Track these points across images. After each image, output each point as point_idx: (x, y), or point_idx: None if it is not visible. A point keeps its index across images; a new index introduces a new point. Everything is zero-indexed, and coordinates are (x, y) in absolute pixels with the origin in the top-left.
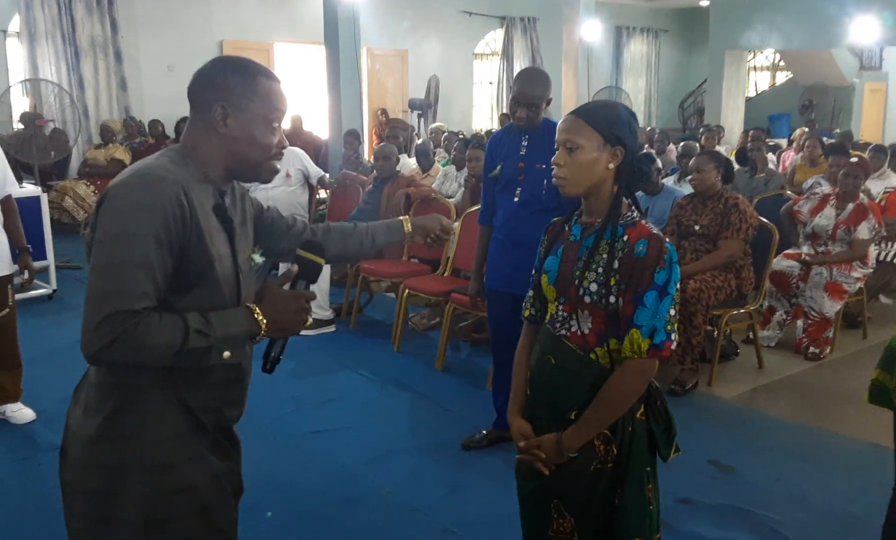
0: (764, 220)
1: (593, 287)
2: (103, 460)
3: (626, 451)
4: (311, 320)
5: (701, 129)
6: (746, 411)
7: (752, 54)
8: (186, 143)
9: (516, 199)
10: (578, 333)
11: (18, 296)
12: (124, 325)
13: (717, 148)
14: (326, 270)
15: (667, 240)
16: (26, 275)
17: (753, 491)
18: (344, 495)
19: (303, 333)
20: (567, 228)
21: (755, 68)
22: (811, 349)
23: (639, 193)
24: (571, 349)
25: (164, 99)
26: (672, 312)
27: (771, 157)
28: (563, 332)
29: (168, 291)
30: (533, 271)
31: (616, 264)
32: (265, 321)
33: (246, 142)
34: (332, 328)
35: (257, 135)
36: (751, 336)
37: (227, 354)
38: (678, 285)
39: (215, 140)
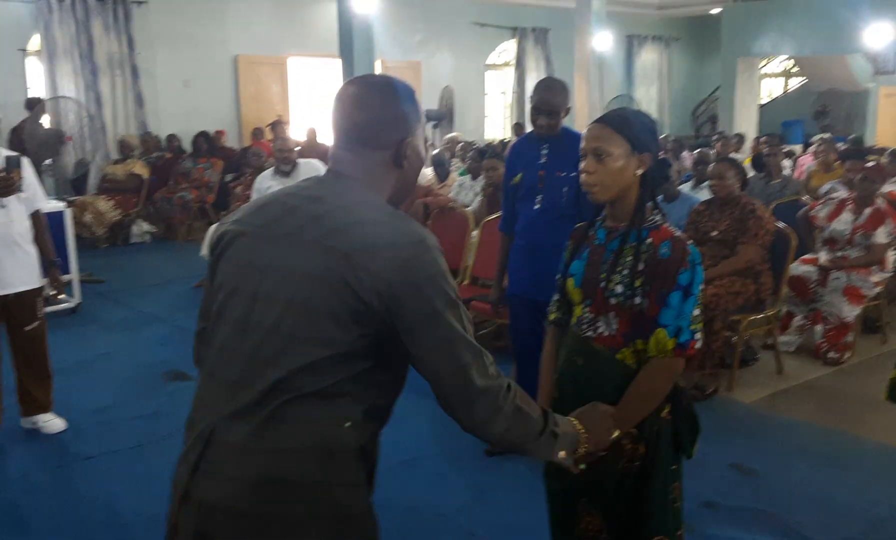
0: (781, 225)
1: (619, 289)
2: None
3: (652, 449)
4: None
5: (715, 136)
6: (767, 416)
7: (765, 61)
8: (369, 180)
9: (537, 206)
10: (605, 334)
11: (45, 309)
12: (502, 395)
13: (734, 155)
14: None
15: (690, 242)
16: (55, 289)
17: (776, 494)
18: None
19: None
20: (592, 233)
21: (768, 75)
22: (830, 354)
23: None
24: (598, 350)
25: (180, 114)
26: (696, 312)
27: (786, 162)
28: (590, 333)
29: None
30: (558, 276)
31: (641, 266)
32: (583, 429)
33: (416, 170)
34: None
35: (422, 156)
36: (770, 341)
37: (562, 453)
38: (702, 286)
39: (393, 177)
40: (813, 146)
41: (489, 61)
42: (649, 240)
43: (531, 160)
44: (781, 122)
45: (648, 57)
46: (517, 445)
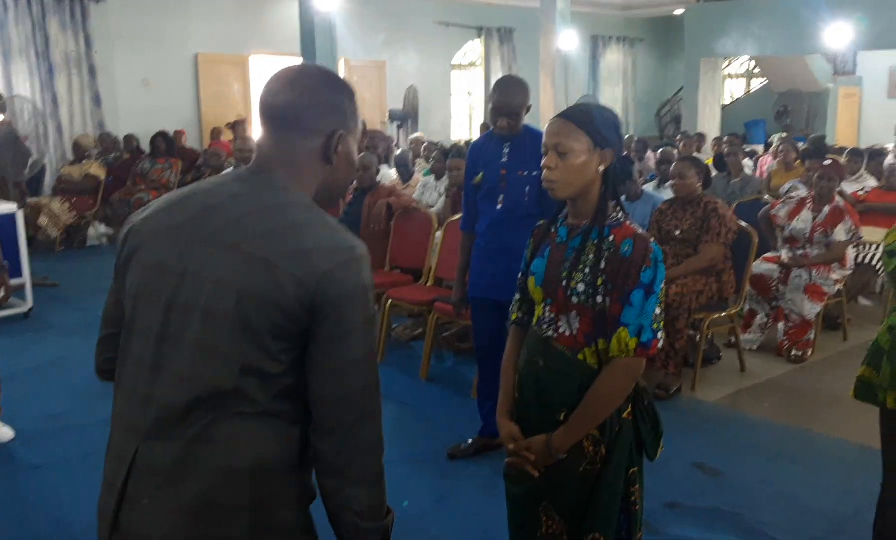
0: (744, 224)
1: (581, 287)
2: None
3: (612, 450)
4: None
5: (678, 137)
6: (730, 414)
7: (727, 62)
8: (293, 173)
9: (499, 206)
10: (567, 333)
11: None
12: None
13: (696, 155)
14: None
15: (652, 239)
16: (2, 292)
17: (740, 493)
18: None
19: None
20: (553, 231)
21: (730, 76)
22: (793, 352)
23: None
24: (560, 351)
25: (139, 113)
26: (658, 310)
27: (748, 162)
28: (551, 333)
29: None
30: (519, 275)
31: (603, 264)
32: None
33: (346, 174)
34: None
35: (354, 160)
36: (733, 340)
37: None
38: (664, 285)
39: (320, 173)
40: (774, 146)
41: (455, 61)
42: (611, 238)
43: (492, 159)
44: (744, 123)
45: (613, 58)
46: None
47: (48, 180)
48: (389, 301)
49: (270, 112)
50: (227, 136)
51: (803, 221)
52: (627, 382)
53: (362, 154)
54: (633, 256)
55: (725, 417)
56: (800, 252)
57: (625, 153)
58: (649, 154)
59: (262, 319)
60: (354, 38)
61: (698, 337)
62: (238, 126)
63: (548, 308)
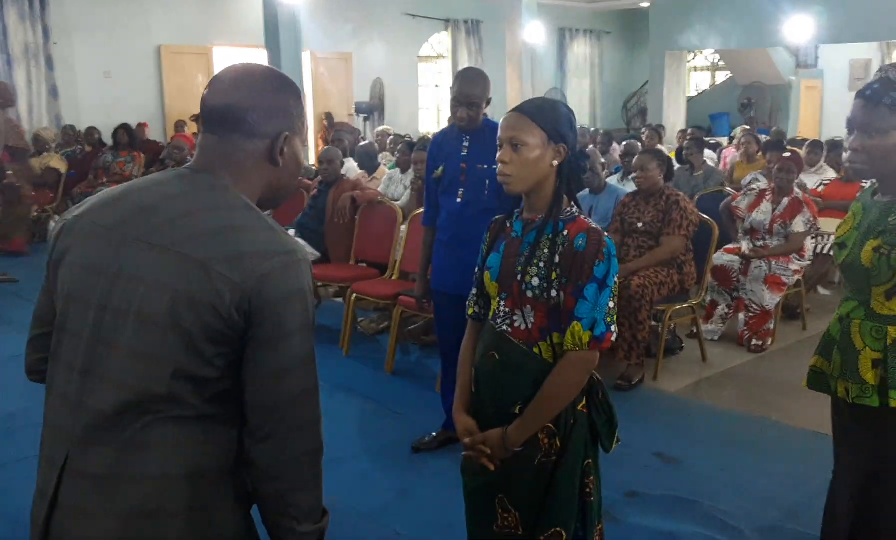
0: (704, 216)
1: (535, 281)
2: None
3: (566, 442)
4: None
5: (643, 129)
6: (691, 404)
7: (693, 55)
8: (236, 175)
9: (459, 200)
10: (522, 327)
11: None
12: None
13: (659, 147)
14: None
15: (605, 234)
16: None
17: (698, 481)
18: None
19: None
20: (509, 225)
21: (696, 69)
22: (753, 341)
23: (584, 192)
24: (514, 344)
25: (101, 106)
26: (612, 304)
27: (711, 154)
28: (506, 327)
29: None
30: (476, 270)
31: (557, 259)
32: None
33: (292, 174)
34: None
35: (301, 161)
36: (695, 330)
37: None
38: (616, 278)
39: (265, 175)
40: (736, 138)
41: (422, 53)
42: (566, 232)
43: (453, 153)
44: (709, 115)
45: (580, 50)
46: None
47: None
48: (354, 295)
49: (213, 113)
50: (191, 129)
51: (763, 213)
52: (581, 376)
53: (326, 148)
54: (586, 251)
55: (686, 407)
56: (760, 243)
57: (582, 148)
58: (614, 146)
59: (197, 323)
60: (321, 30)
61: (660, 328)
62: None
63: (503, 302)
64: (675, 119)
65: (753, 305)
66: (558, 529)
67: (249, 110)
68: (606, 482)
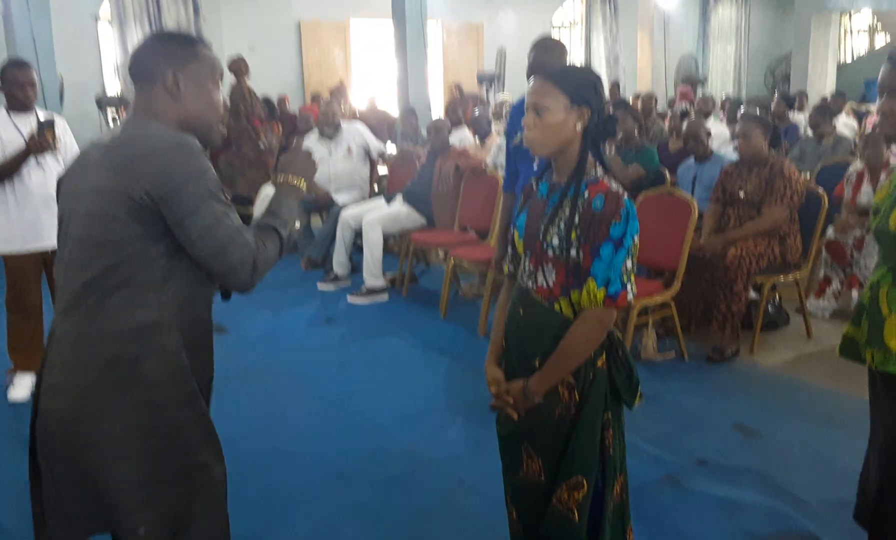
0: (814, 187)
1: (555, 241)
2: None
3: (585, 396)
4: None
5: (775, 96)
6: (784, 379)
7: (848, 17)
8: (149, 113)
9: (535, 167)
10: (544, 285)
11: None
12: (255, 254)
13: (799, 115)
14: (380, 240)
15: (625, 196)
16: None
17: (775, 454)
18: (370, 449)
19: (356, 300)
20: (535, 187)
21: (851, 32)
22: None
23: (688, 160)
24: (537, 301)
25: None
26: (628, 264)
27: (850, 122)
28: (531, 284)
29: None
30: (511, 229)
31: (577, 219)
32: (301, 179)
33: (201, 101)
34: (384, 297)
35: (206, 92)
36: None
37: (297, 224)
38: (636, 238)
39: (173, 107)
40: None
41: (555, 21)
42: (586, 194)
43: None
44: (864, 81)
45: (725, 13)
46: (279, 256)
47: None
48: (453, 259)
49: (130, 74)
50: (325, 99)
51: (866, 195)
52: (597, 332)
53: (435, 119)
54: (604, 211)
55: (777, 382)
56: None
57: (611, 112)
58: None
59: (122, 210)
60: (453, 1)
61: (760, 300)
62: (336, 91)
63: (528, 261)
64: (820, 85)
65: (866, 281)
66: (580, 477)
67: (143, 61)
68: (676, 449)
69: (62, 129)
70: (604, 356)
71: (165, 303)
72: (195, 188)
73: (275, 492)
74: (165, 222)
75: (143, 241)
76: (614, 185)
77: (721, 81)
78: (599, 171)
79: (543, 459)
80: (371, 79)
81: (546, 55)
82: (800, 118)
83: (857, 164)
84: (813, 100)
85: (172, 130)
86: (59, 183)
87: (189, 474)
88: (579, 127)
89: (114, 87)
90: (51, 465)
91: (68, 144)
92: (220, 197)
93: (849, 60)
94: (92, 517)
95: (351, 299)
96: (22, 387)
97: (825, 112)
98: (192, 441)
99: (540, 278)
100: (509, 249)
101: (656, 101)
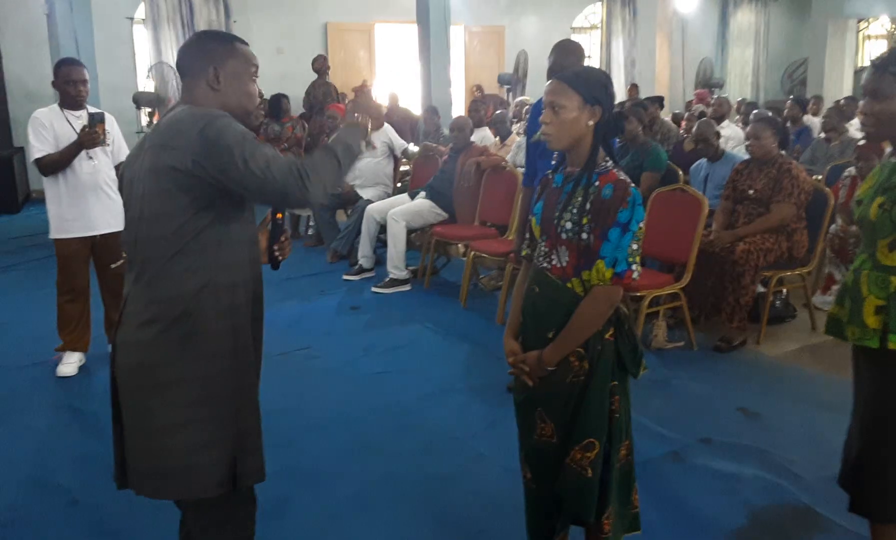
0: (819, 185)
1: (569, 225)
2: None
3: (594, 365)
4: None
5: (788, 101)
6: (787, 367)
7: (867, 23)
8: (193, 102)
9: (554, 163)
10: (558, 265)
11: None
12: (299, 166)
13: (812, 119)
14: (403, 233)
15: (632, 185)
16: None
17: (774, 434)
18: (396, 425)
19: (380, 290)
20: (551, 178)
21: (870, 37)
22: None
23: (701, 160)
24: (552, 280)
25: (273, 79)
26: (634, 246)
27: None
28: (546, 265)
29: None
30: (529, 216)
31: (588, 206)
32: (368, 118)
33: (238, 93)
34: (407, 287)
35: (244, 84)
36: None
37: (359, 142)
38: (641, 224)
39: (213, 99)
40: None
41: (575, 25)
42: (597, 183)
43: None
44: None
45: (744, 18)
46: (342, 176)
47: None
48: (472, 252)
49: (177, 69)
50: (350, 99)
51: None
52: (605, 307)
53: (458, 117)
54: (612, 198)
55: (781, 370)
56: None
57: (620, 110)
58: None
59: (170, 183)
60: (476, 5)
61: (767, 294)
62: (359, 92)
63: (544, 244)
64: (835, 90)
65: None
66: (591, 439)
67: (188, 58)
68: (681, 428)
69: (110, 123)
70: (612, 330)
71: (216, 268)
72: (230, 136)
73: (310, 460)
74: (212, 189)
75: (192, 211)
76: (622, 176)
77: (739, 85)
78: (609, 162)
79: (555, 422)
80: (394, 80)
81: (565, 57)
82: (814, 121)
83: (853, 169)
84: (829, 104)
85: (206, 110)
86: (121, 172)
87: (239, 411)
88: (591, 123)
89: (148, 86)
90: (127, 412)
91: (116, 138)
92: (252, 137)
93: (866, 66)
94: (153, 477)
95: (375, 289)
96: (70, 364)
97: (838, 115)
98: (243, 387)
99: (554, 259)
100: (527, 235)
101: (662, 103)
